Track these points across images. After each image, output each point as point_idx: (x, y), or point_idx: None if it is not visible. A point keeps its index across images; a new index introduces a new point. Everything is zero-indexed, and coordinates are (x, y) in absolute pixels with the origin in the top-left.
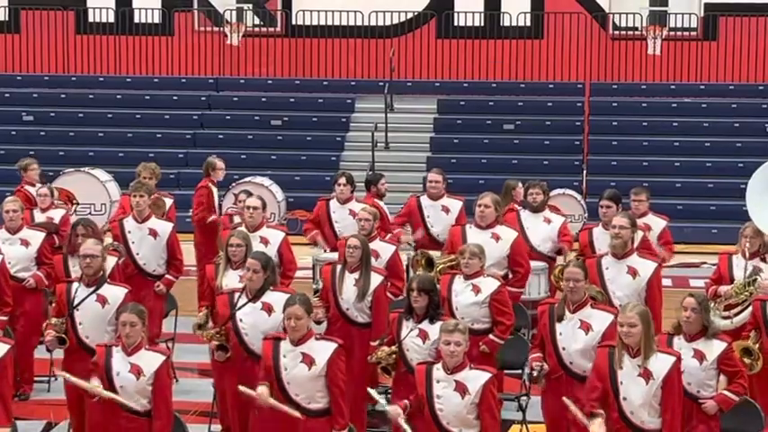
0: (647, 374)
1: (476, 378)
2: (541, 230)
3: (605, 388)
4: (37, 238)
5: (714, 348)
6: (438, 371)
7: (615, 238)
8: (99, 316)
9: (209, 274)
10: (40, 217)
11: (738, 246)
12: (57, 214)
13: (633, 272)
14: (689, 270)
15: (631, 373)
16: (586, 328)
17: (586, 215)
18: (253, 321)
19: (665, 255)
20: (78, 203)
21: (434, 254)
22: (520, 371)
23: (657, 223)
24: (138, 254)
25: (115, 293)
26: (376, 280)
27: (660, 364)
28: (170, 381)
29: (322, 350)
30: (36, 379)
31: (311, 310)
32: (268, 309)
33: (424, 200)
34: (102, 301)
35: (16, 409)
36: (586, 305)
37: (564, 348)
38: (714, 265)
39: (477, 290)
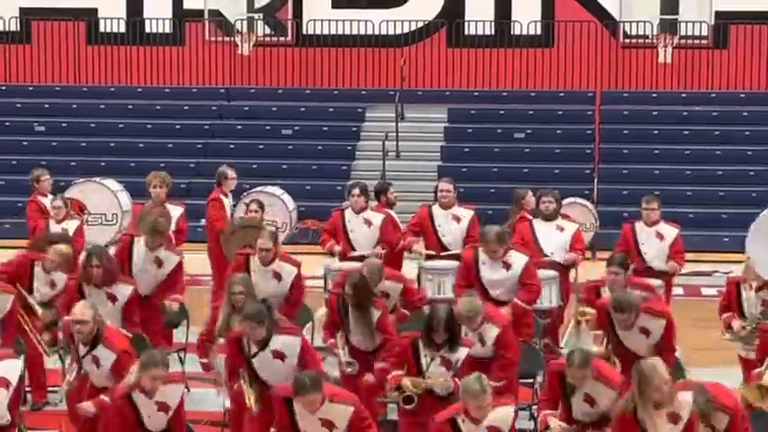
0: (674, 417)
1: (505, 416)
2: (554, 239)
3: None
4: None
5: (722, 421)
6: (465, 423)
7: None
8: (97, 374)
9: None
10: (55, 227)
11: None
12: (72, 225)
13: (645, 332)
14: (700, 279)
15: (662, 422)
16: (591, 401)
17: (597, 224)
18: (271, 371)
19: (675, 266)
20: (90, 213)
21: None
22: (531, 380)
23: (669, 231)
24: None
25: (107, 356)
26: (375, 315)
27: (684, 401)
28: (184, 409)
29: (340, 415)
30: (48, 389)
31: (321, 387)
32: (280, 356)
33: (436, 209)
34: (96, 362)
35: (29, 418)
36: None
37: (577, 420)
38: (726, 273)
39: (483, 342)
